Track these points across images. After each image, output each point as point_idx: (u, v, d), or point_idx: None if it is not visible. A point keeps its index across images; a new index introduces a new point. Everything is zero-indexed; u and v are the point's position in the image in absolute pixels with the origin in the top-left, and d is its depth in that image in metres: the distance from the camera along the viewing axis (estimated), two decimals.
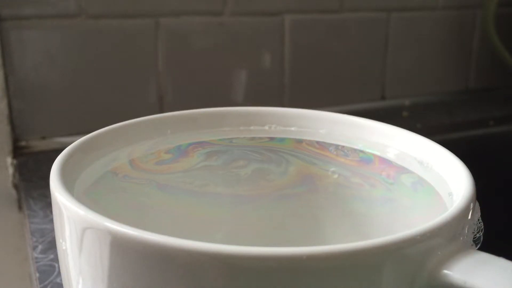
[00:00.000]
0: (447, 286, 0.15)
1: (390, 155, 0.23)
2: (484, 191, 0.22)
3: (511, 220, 0.54)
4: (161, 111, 0.49)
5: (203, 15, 0.49)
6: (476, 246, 0.17)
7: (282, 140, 0.26)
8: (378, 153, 0.24)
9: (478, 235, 0.17)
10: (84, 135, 0.21)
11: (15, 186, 0.44)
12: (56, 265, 0.29)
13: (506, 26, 0.62)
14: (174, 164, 0.24)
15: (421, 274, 0.15)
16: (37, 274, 0.28)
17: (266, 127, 0.26)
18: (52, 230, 0.32)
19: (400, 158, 0.23)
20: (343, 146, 0.25)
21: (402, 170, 0.23)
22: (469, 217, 0.16)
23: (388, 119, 0.25)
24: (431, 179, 0.21)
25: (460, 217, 0.16)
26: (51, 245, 0.31)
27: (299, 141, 0.25)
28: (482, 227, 0.17)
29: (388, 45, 0.59)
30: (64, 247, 0.17)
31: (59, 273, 0.28)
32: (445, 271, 0.15)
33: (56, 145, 0.45)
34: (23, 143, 0.44)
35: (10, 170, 0.44)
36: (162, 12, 0.47)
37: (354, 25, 0.57)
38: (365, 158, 0.24)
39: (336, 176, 0.24)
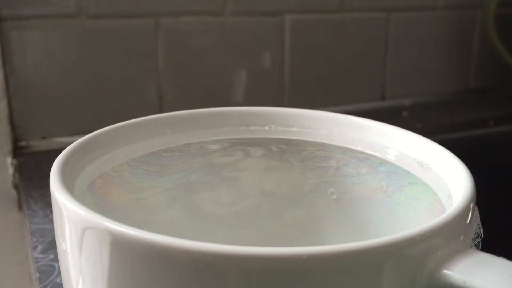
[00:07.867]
0: (447, 286, 0.15)
1: (390, 156, 0.23)
2: (484, 191, 0.22)
3: (511, 220, 0.54)
4: (161, 111, 0.49)
5: (203, 15, 0.49)
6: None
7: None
8: (378, 155, 0.24)
9: (477, 240, 0.17)
10: (84, 135, 0.21)
11: (15, 186, 0.44)
12: (56, 265, 0.29)
13: (506, 26, 0.62)
14: (173, 164, 0.24)
15: (421, 274, 0.15)
16: (37, 274, 0.28)
17: (266, 127, 0.26)
18: (52, 230, 0.32)
19: (400, 159, 0.23)
20: (342, 148, 0.25)
21: (402, 172, 0.23)
22: (469, 217, 0.16)
23: (388, 119, 0.25)
24: (431, 180, 0.21)
25: (460, 217, 0.16)
26: (51, 245, 0.31)
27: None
28: (482, 232, 0.17)
29: (388, 45, 0.59)
30: (64, 247, 0.17)
31: (59, 273, 0.28)
32: (445, 271, 0.15)
33: (56, 145, 0.45)
34: (23, 143, 0.44)
35: (10, 170, 0.44)
36: (162, 12, 0.47)
37: (354, 25, 0.57)
38: (366, 161, 0.24)
39: (337, 178, 0.24)
